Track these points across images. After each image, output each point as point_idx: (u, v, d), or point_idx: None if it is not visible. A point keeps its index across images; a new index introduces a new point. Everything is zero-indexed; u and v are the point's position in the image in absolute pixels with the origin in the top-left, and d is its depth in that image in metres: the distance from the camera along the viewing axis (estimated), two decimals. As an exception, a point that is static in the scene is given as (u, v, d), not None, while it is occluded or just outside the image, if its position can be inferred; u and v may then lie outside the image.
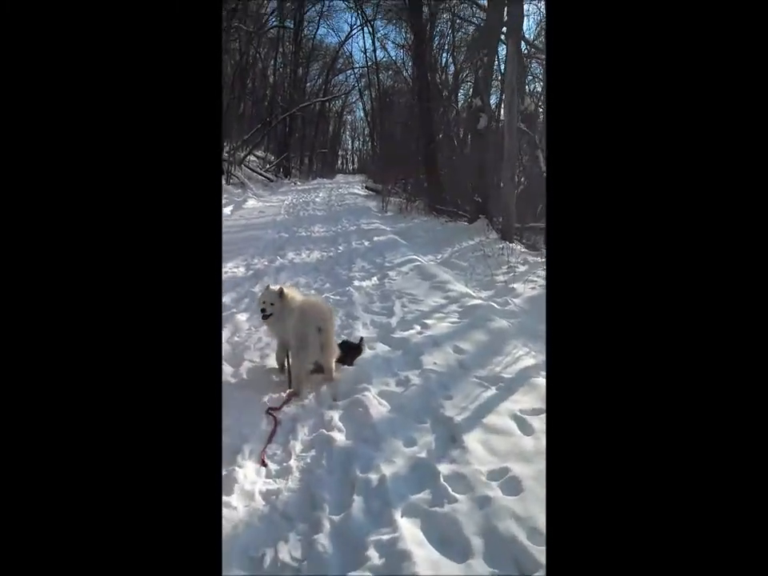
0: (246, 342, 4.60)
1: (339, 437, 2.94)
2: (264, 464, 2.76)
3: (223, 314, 5.57)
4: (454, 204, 13.93)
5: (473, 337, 4.45)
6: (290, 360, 3.75)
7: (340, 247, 9.33)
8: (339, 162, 50.96)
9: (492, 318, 4.92)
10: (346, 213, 14.57)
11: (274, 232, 11.07)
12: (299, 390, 3.57)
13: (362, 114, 40.15)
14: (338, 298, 6.06)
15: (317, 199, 18.34)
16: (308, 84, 34.54)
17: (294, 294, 4.10)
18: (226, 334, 4.88)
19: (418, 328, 4.83)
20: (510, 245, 8.93)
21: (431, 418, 3.09)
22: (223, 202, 15.95)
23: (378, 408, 3.23)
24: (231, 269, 7.70)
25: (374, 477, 2.51)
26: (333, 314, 3.96)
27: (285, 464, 2.74)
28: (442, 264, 7.92)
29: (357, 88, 35.52)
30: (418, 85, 16.44)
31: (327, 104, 37.74)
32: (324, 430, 3.01)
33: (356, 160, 53.85)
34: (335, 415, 3.20)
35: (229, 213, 14.18)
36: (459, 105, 21.02)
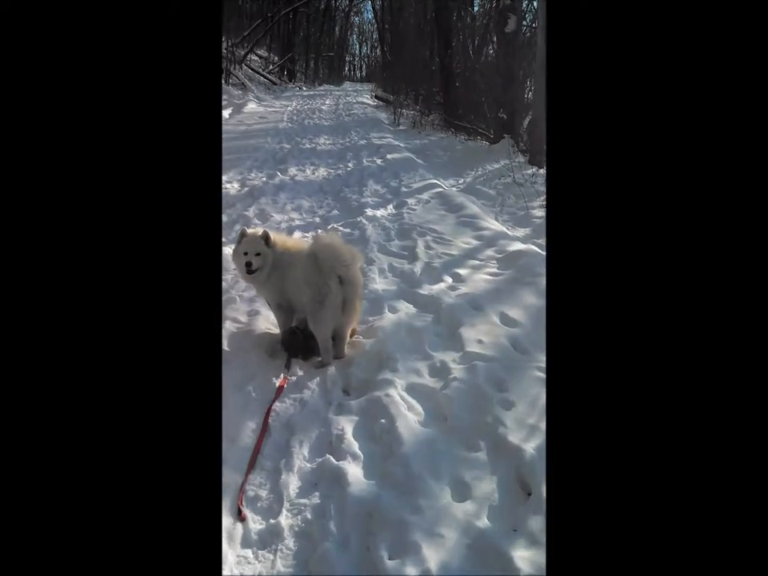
0: (230, 291, 3.55)
1: (354, 471, 1.95)
2: (241, 517, 1.79)
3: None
4: (474, 120, 12.44)
5: (522, 299, 3.38)
6: (310, 326, 2.75)
7: (349, 164, 8.05)
8: (346, 69, 47.61)
9: (541, 272, 3.84)
10: (355, 124, 13.05)
11: (275, 142, 9.72)
12: (327, 360, 2.73)
13: (371, 16, 36.91)
14: (347, 231, 4.95)
15: (323, 107, 16.60)
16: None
17: (284, 240, 3.03)
18: (207, 275, 3.82)
19: (450, 280, 3.76)
20: (541, 171, 7.67)
21: (487, 442, 2.09)
22: (222, 104, 14.37)
23: (408, 418, 2.22)
24: (224, 183, 6.51)
25: (412, 572, 1.54)
26: (358, 258, 2.79)
27: (272, 520, 1.77)
28: (466, 191, 6.71)
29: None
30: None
31: (333, 1, 34.59)
32: (331, 457, 2.02)
33: (364, 67, 50.61)
34: (347, 426, 2.21)
35: (227, 116, 12.68)
36: (475, 9, 18.74)
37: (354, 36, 48.26)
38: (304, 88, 25.15)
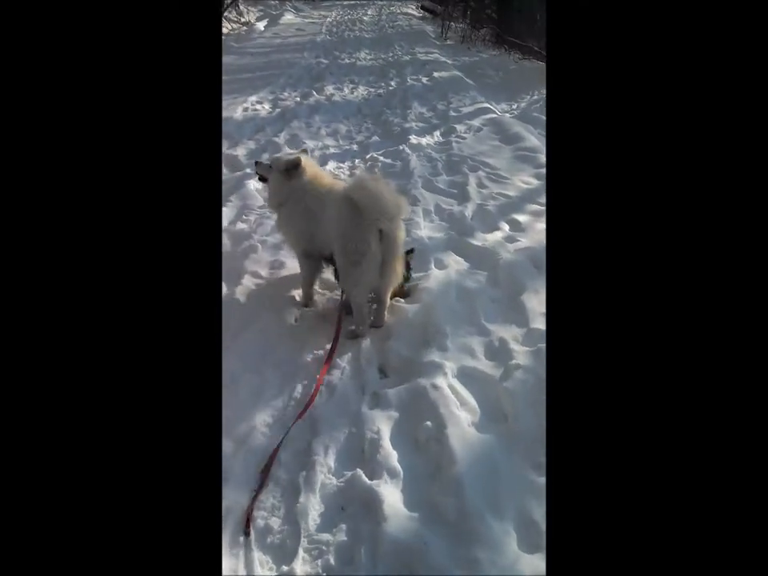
0: (252, 234, 3.06)
1: (391, 496, 1.50)
2: (247, 531, 1.42)
3: (232, 176, 3.99)
4: (529, 37, 11.21)
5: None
6: (342, 286, 2.32)
7: (391, 83, 7.25)
8: (391, -24, 44.38)
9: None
10: (399, 37, 11.93)
11: (312, 56, 8.90)
12: (362, 330, 2.25)
13: None
14: (388, 161, 4.35)
15: (365, 18, 15.30)
16: None
17: (319, 173, 2.48)
18: (228, 214, 3.32)
19: (506, 229, 3.19)
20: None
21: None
22: (256, 15, 13.40)
23: (460, 420, 1.75)
24: (254, 104, 5.90)
25: None
26: (404, 208, 2.21)
27: (284, 567, 1.36)
28: (521, 119, 5.92)
29: None
30: None
31: None
32: (363, 474, 1.58)
33: (410, -26, 47.08)
34: (384, 426, 1.75)
35: (262, 29, 11.75)
36: None
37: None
38: (345, -3, 23.39)
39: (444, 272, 2.67)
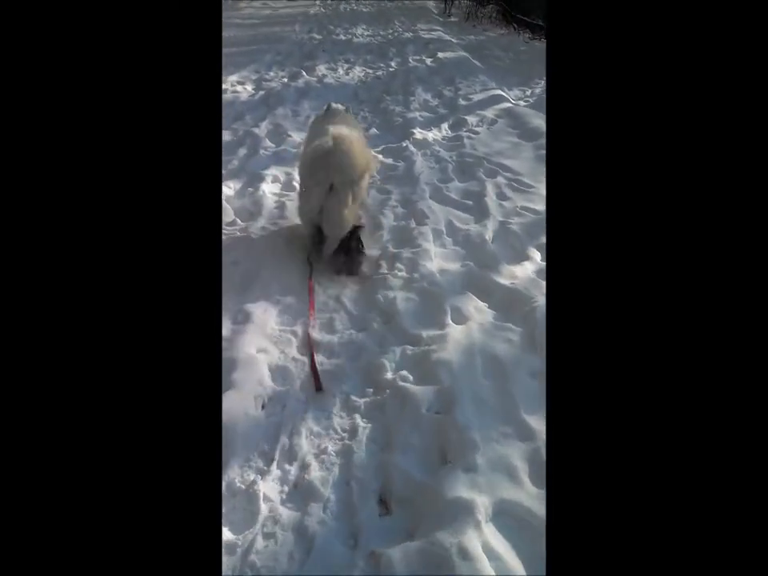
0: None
1: None
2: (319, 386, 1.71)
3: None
4: (540, 15, 10.40)
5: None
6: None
7: (392, 63, 6.48)
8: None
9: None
10: (399, 12, 11.06)
11: (304, 31, 8.08)
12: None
13: None
14: (389, 161, 3.65)
15: (362, -9, 14.38)
16: None
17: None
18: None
19: (538, 259, 2.52)
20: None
21: None
22: (246, -18, 12.42)
23: None
24: (234, 85, 5.14)
25: None
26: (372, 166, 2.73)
27: None
28: (539, 108, 5.20)
29: None
30: None
31: None
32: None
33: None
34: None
35: (250, -2, 10.84)
36: None
37: None
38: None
39: (464, 328, 2.00)
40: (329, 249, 2.43)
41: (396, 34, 8.50)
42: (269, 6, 10.14)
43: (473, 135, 4.17)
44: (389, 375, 1.80)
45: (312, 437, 1.60)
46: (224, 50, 6.36)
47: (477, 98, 5.19)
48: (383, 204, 3.02)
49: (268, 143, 3.76)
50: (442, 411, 1.64)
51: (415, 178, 3.32)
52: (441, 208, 2.99)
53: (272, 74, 5.58)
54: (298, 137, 3.89)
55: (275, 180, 3.28)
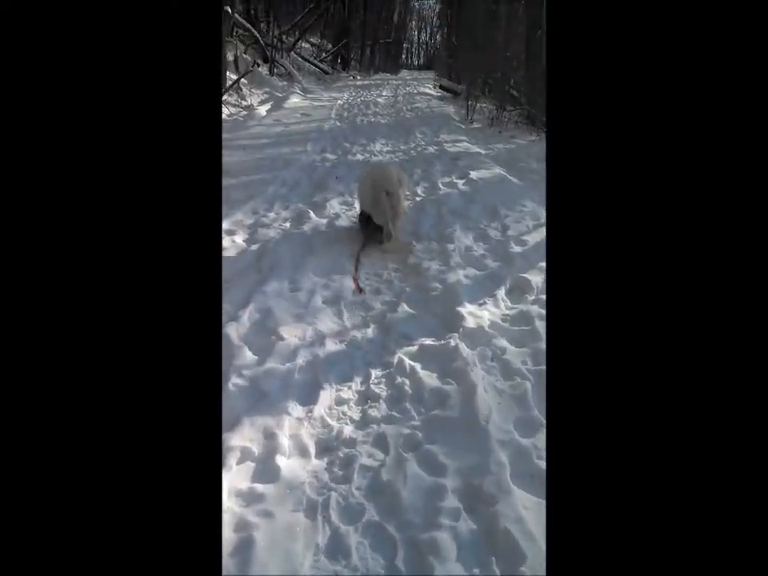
0: None
1: None
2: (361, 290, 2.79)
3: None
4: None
5: None
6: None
7: (418, 190, 5.34)
8: (403, 56, 44.29)
9: None
10: (419, 121, 10.26)
11: (316, 150, 7.12)
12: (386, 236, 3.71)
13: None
14: (432, 381, 2.30)
15: (379, 99, 13.82)
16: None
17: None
18: None
19: None
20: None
21: None
22: (260, 98, 11.95)
23: None
24: (224, 235, 3.95)
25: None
26: (396, 177, 3.88)
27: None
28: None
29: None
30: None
31: (393, -15, 31.50)
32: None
33: (422, 54, 47.55)
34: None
35: (263, 114, 10.17)
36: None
37: (413, 23, 45.11)
38: (358, 77, 22.42)
39: None
40: (388, 231, 3.68)
41: (419, 149, 7.52)
42: (281, 123, 9.39)
43: (543, 309, 2.85)
44: None
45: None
46: (223, 183, 5.32)
47: (531, 238, 3.94)
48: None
49: (247, 352, 2.45)
50: None
51: (480, 433, 1.95)
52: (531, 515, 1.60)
53: (272, 214, 4.42)
54: (293, 338, 2.58)
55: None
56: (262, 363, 2.36)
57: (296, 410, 2.11)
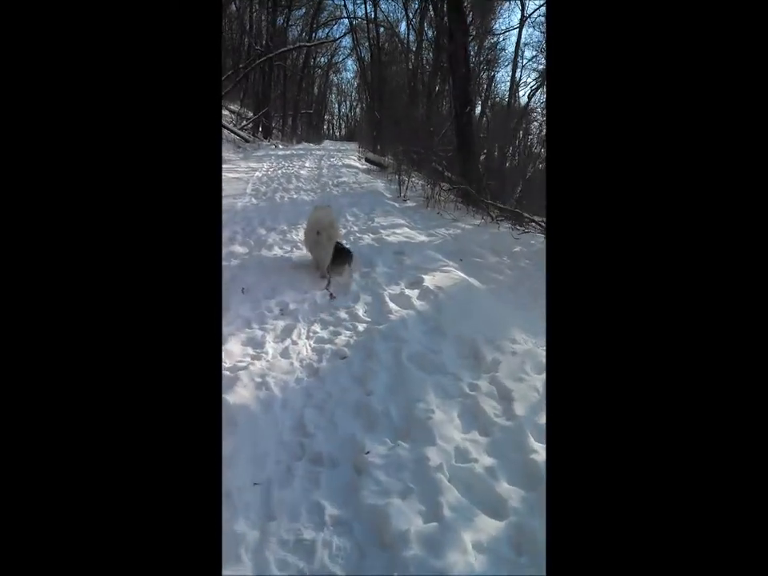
0: None
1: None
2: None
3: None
4: (504, 196, 8.48)
5: None
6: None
7: (359, 312, 3.77)
8: (325, 127, 44.09)
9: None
10: (349, 199, 8.84)
11: (224, 239, 5.46)
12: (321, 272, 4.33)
13: (354, 72, 33.91)
14: None
15: (302, 171, 12.38)
16: (289, 36, 27.49)
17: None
18: None
19: None
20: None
21: None
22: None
23: None
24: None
25: None
26: (325, 220, 4.43)
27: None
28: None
29: (350, 39, 28.43)
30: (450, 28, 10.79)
31: (312, 59, 31.17)
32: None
33: (343, 126, 47.72)
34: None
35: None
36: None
37: (333, 95, 45.33)
38: (280, 146, 21.09)
39: None
40: (323, 266, 4.36)
41: (352, 237, 6.03)
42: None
43: None
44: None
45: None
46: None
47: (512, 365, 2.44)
48: None
49: None
50: None
51: None
52: None
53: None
54: None
55: None
56: None
57: None
